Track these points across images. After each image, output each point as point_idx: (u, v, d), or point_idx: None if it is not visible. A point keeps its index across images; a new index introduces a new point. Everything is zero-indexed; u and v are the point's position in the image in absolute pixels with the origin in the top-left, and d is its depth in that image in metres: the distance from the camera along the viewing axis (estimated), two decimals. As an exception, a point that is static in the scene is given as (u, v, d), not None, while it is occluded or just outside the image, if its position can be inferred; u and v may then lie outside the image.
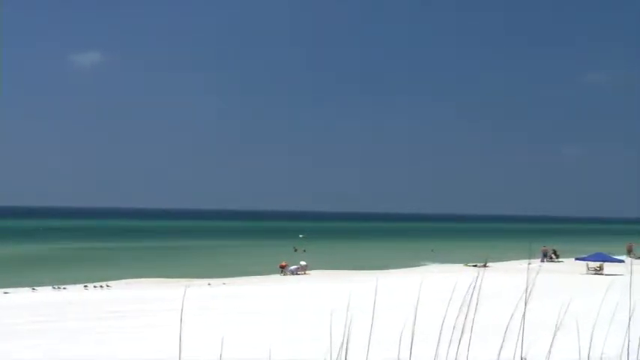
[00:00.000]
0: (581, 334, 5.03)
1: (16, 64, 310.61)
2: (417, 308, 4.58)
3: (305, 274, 49.84)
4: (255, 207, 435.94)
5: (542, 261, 57.85)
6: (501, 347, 4.17)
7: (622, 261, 47.59)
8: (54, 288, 38.21)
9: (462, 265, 54.76)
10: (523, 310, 4.14)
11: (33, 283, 39.13)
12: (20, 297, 34.19)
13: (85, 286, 39.16)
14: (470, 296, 3.92)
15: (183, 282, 41.98)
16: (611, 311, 5.81)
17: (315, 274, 49.61)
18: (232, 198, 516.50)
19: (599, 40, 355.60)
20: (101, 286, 39.18)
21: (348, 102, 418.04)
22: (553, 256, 60.87)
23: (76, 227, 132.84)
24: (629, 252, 62.97)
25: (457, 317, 3.88)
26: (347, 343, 3.88)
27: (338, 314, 5.65)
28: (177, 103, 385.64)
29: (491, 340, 5.96)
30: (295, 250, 69.03)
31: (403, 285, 34.12)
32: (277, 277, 47.39)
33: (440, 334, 4.05)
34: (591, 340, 4.58)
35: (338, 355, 3.88)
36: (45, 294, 35.75)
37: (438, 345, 4.05)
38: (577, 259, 50.44)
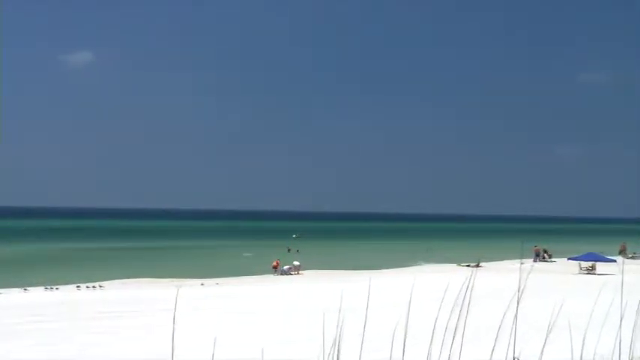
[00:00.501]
0: (574, 334, 5.03)
1: (7, 64, 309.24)
2: (409, 308, 4.57)
3: (298, 274, 49.82)
4: (252, 207, 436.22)
5: (535, 261, 58.04)
6: (494, 347, 4.17)
7: (614, 260, 47.81)
8: (46, 288, 38.06)
9: (455, 265, 54.86)
10: (515, 310, 4.14)
11: (25, 284, 38.95)
12: (12, 298, 34.04)
13: (78, 287, 39.03)
14: (462, 296, 3.91)
15: (176, 282, 41.90)
16: (603, 311, 5.82)
17: (308, 274, 49.61)
18: (231, 198, 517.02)
19: (596, 39, 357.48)
20: (94, 287, 39.06)
21: (347, 102, 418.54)
22: (545, 255, 61.07)
23: (70, 227, 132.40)
24: (622, 252, 63.26)
25: (449, 317, 3.88)
26: (339, 344, 3.86)
27: (330, 314, 5.64)
28: (172, 103, 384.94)
29: (484, 340, 5.97)
30: (289, 251, 69.01)
31: (396, 285, 34.14)
32: (270, 278, 47.36)
33: (432, 334, 4.04)
34: (584, 340, 4.58)
35: (330, 356, 3.87)
36: (37, 294, 35.60)
37: (430, 345, 4.04)
38: (569, 258, 50.64)
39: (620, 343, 4.50)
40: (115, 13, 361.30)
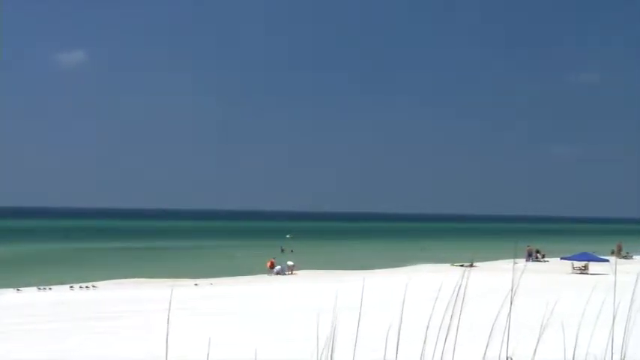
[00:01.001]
0: (567, 334, 5.06)
1: (2, 63, 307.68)
2: (403, 308, 4.58)
3: (292, 274, 49.81)
4: (251, 207, 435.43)
5: (528, 260, 58.18)
6: (487, 347, 4.19)
7: (607, 260, 47.96)
8: (39, 289, 37.94)
9: (449, 264, 54.95)
10: (508, 309, 4.16)
11: (18, 284, 38.81)
12: (5, 298, 33.92)
13: (71, 287, 38.92)
14: (455, 296, 3.93)
15: (169, 282, 41.80)
16: (596, 310, 5.85)
17: (302, 274, 49.61)
18: (231, 198, 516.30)
19: (591, 40, 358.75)
20: (87, 287, 38.96)
21: (348, 101, 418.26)
22: (538, 255, 61.23)
23: (64, 228, 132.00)
24: (619, 251, 63.53)
25: (443, 317, 3.89)
26: (333, 343, 3.87)
27: (324, 314, 5.65)
28: (171, 103, 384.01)
29: (477, 339, 5.99)
30: (282, 251, 68.95)
31: (390, 284, 34.18)
32: (264, 278, 47.33)
33: (426, 333, 4.06)
34: (576, 339, 4.60)
35: (324, 355, 3.88)
36: (30, 295, 35.50)
37: (424, 345, 4.05)
38: (562, 258, 50.81)
39: (612, 342, 4.53)
40: (113, 12, 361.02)
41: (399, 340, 4.22)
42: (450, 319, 3.88)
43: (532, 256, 60.33)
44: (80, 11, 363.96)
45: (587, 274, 46.07)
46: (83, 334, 21.82)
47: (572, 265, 48.57)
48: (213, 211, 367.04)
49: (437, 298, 4.42)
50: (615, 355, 4.56)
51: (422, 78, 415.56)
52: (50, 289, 38.21)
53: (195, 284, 41.15)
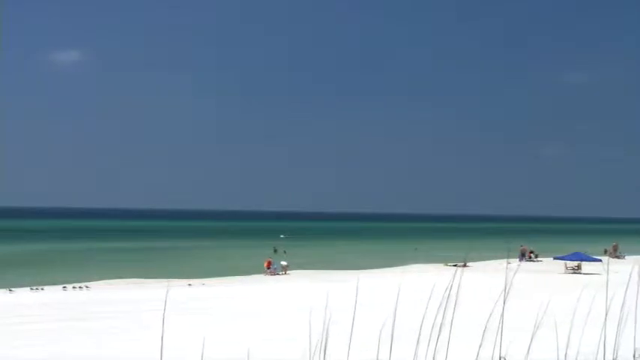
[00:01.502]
0: (559, 333, 5.07)
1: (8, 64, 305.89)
2: (396, 308, 4.59)
3: (286, 274, 49.81)
4: (251, 207, 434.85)
5: (521, 260, 58.31)
6: (480, 347, 4.20)
7: (599, 260, 48.16)
8: (32, 289, 37.79)
9: (442, 264, 55.02)
10: (502, 309, 4.17)
11: (10, 285, 38.65)
12: (-3, 298, 33.78)
13: (64, 287, 38.78)
14: (448, 296, 3.94)
15: (163, 282, 41.71)
16: (588, 310, 5.88)
17: (295, 274, 49.60)
18: (231, 198, 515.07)
19: (579, 40, 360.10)
20: (80, 287, 38.83)
21: (324, 102, 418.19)
22: (531, 255, 61.39)
23: (59, 228, 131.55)
24: (614, 251, 63.76)
25: (436, 317, 3.90)
26: (325, 343, 3.88)
27: (317, 314, 5.65)
28: (170, 104, 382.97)
29: (470, 339, 6.00)
30: (275, 251, 68.90)
31: (383, 284, 34.22)
32: (257, 278, 47.31)
33: (419, 333, 4.06)
34: (569, 339, 4.62)
35: (317, 355, 3.88)
36: (23, 295, 35.35)
37: (417, 345, 4.06)
38: (555, 258, 51.00)
39: (604, 341, 4.55)
40: (113, 12, 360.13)
41: (392, 339, 4.22)
42: (443, 319, 3.89)
43: (525, 256, 60.47)
44: (79, 10, 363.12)
45: (580, 273, 46.25)
46: (75, 334, 21.75)
47: (565, 265, 48.75)
48: (212, 212, 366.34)
49: (429, 298, 4.43)
50: (607, 354, 4.58)
51: (420, 77, 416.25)
52: (43, 289, 38.07)
53: (189, 284, 41.08)
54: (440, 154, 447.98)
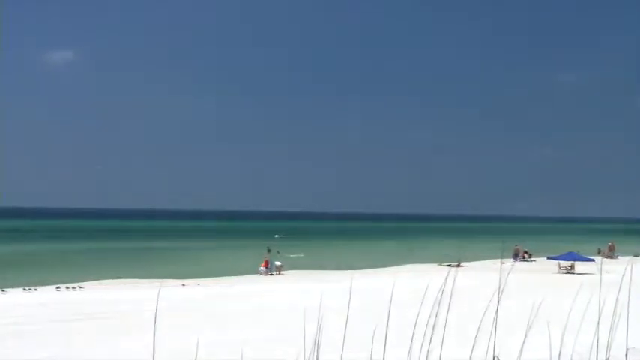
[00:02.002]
0: (553, 333, 5.08)
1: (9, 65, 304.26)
2: (390, 308, 4.59)
3: (279, 274, 49.79)
4: (250, 207, 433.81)
5: (515, 260, 58.47)
6: (473, 346, 4.20)
7: (592, 260, 48.34)
8: (25, 289, 37.66)
9: (436, 264, 55.11)
10: (495, 309, 4.17)
11: (3, 285, 38.50)
12: (-10, 299, 33.65)
13: (58, 288, 38.65)
14: (442, 295, 3.94)
15: (156, 283, 41.63)
16: (581, 310, 5.89)
17: (289, 274, 49.59)
18: (230, 198, 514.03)
19: (570, 41, 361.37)
20: (73, 288, 38.72)
21: (348, 102, 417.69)
22: (525, 255, 61.55)
23: (54, 228, 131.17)
24: (610, 251, 63.88)
25: (429, 317, 3.90)
26: (319, 344, 3.87)
27: (311, 314, 5.65)
28: (170, 104, 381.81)
29: (464, 339, 6.01)
30: (269, 251, 68.83)
31: (377, 284, 34.26)
32: (251, 278, 47.26)
33: (413, 333, 4.06)
34: (562, 338, 4.63)
35: (310, 355, 3.87)
36: (16, 295, 35.23)
37: (411, 345, 4.06)
38: (549, 258, 51.18)
39: (597, 341, 4.56)
40: (111, 12, 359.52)
41: (386, 339, 4.22)
42: (436, 318, 3.89)
43: (519, 255, 60.63)
44: (67, 10, 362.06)
45: (573, 273, 46.41)
46: (69, 335, 21.69)
47: (559, 264, 48.90)
48: (210, 212, 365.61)
49: (423, 297, 4.43)
50: (600, 353, 4.59)
51: (421, 78, 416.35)
52: (36, 289, 37.94)
53: (183, 284, 41.02)
54: (438, 154, 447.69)
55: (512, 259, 59.00)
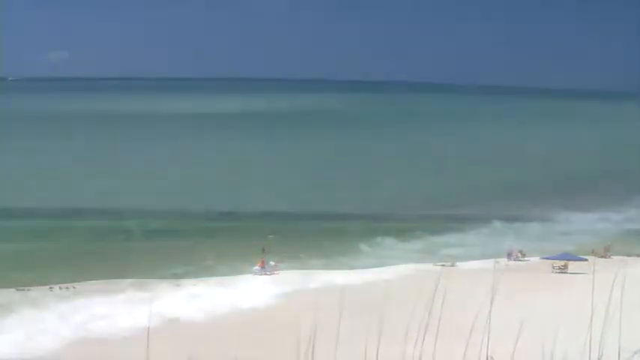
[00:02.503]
0: (546, 332, 5.11)
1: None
2: (383, 308, 4.60)
3: (274, 274, 49.67)
4: (251, 207, 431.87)
5: (509, 260, 58.39)
6: (467, 347, 4.22)
7: (586, 259, 48.37)
8: (17, 290, 37.45)
9: (431, 264, 55.00)
10: (489, 309, 4.19)
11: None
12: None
13: (51, 288, 38.44)
14: (436, 296, 3.95)
15: (151, 283, 41.52)
16: (574, 309, 5.92)
17: (284, 274, 49.45)
18: (230, 198, 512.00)
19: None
20: (67, 288, 38.52)
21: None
22: (519, 254, 61.46)
23: (50, 228, 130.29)
24: (606, 251, 63.69)
25: (422, 317, 3.91)
26: (314, 343, 3.88)
27: (305, 314, 5.67)
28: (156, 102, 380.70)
29: (457, 340, 6.04)
30: (263, 251, 68.49)
31: (371, 284, 34.28)
32: (246, 277, 47.12)
33: (406, 333, 4.08)
34: (555, 338, 4.65)
35: (305, 355, 3.88)
36: (8, 296, 35.06)
37: (404, 345, 4.08)
38: (542, 257, 51.22)
39: (590, 341, 4.58)
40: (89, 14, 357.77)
41: (379, 339, 4.24)
42: (429, 318, 3.90)
43: (512, 255, 60.53)
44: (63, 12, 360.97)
45: (567, 273, 46.48)
46: (62, 334, 21.63)
47: (552, 264, 48.96)
48: (209, 212, 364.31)
49: (416, 298, 4.45)
50: (593, 353, 4.62)
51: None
52: (29, 289, 37.74)
53: (177, 285, 40.90)
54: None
55: (506, 259, 58.96)
